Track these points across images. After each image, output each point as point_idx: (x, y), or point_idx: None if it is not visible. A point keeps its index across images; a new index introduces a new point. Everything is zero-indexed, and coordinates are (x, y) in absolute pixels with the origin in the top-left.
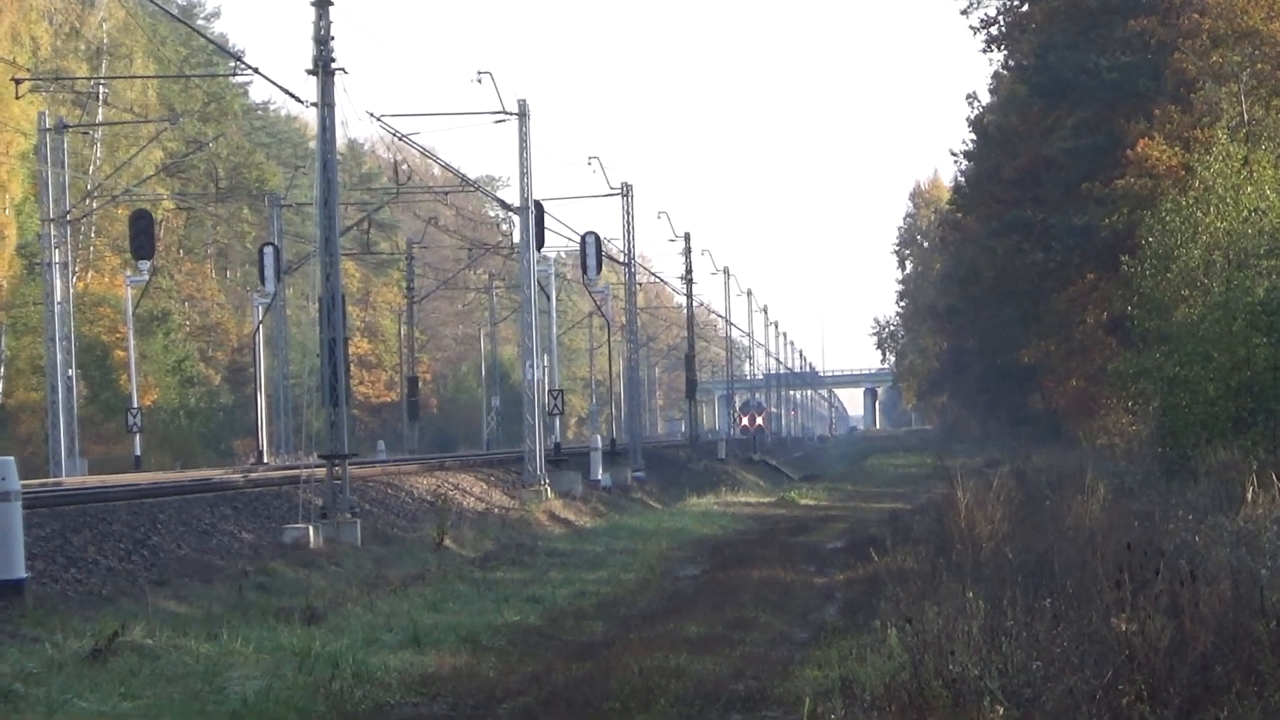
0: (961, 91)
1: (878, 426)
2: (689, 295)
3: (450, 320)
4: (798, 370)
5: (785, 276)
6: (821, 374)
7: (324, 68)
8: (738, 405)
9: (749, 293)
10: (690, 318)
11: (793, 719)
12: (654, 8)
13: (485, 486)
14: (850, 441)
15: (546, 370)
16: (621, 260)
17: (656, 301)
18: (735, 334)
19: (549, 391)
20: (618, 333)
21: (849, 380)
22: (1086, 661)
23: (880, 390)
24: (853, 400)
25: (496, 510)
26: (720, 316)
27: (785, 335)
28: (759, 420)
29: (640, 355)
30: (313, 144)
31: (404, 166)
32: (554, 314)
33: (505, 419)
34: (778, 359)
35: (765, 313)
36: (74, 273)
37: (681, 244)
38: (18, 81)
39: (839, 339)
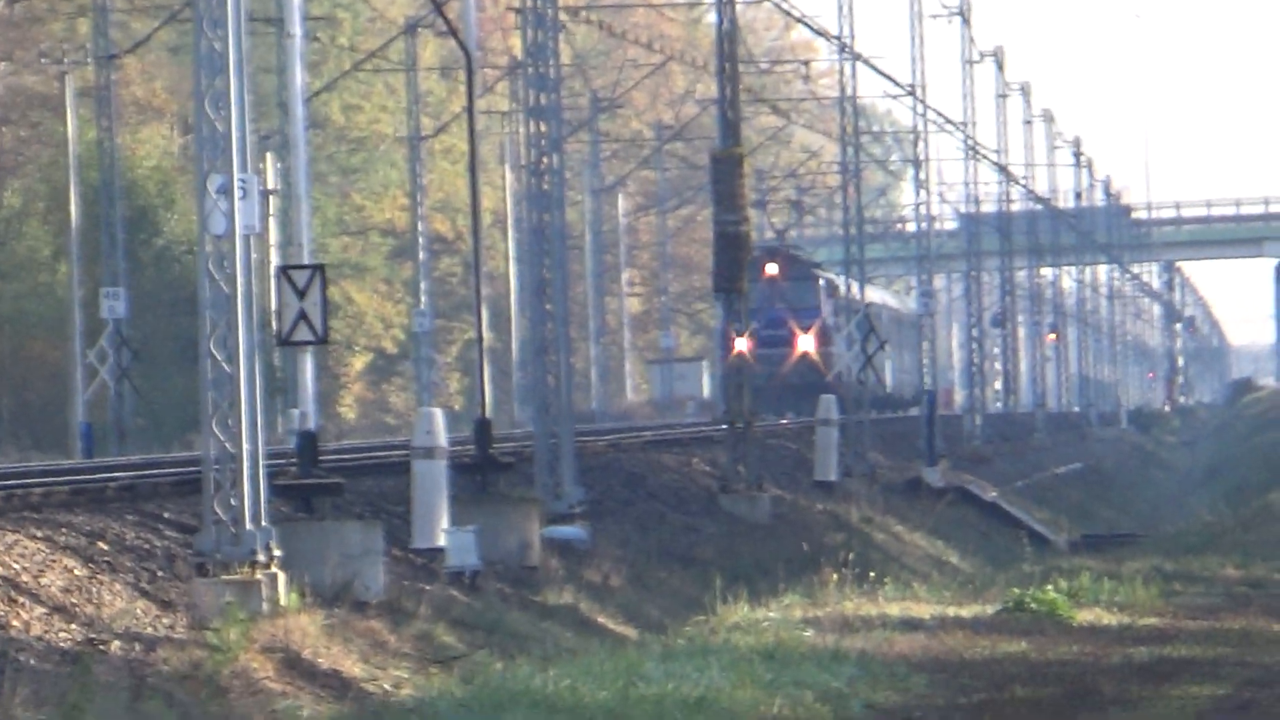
0: None
1: None
2: None
3: None
4: (1071, 207)
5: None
6: (1146, 215)
7: None
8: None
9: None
10: (728, 30)
11: None
12: None
13: (84, 570)
14: (1232, 424)
15: (272, 202)
16: None
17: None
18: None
19: (282, 271)
20: (496, 86)
21: (1227, 236)
22: None
23: None
24: (1240, 301)
25: (119, 649)
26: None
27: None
28: (804, 340)
29: (570, 168)
30: None
31: None
32: (300, 27)
33: (145, 361)
34: (1003, 167)
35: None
36: None
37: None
38: None
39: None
